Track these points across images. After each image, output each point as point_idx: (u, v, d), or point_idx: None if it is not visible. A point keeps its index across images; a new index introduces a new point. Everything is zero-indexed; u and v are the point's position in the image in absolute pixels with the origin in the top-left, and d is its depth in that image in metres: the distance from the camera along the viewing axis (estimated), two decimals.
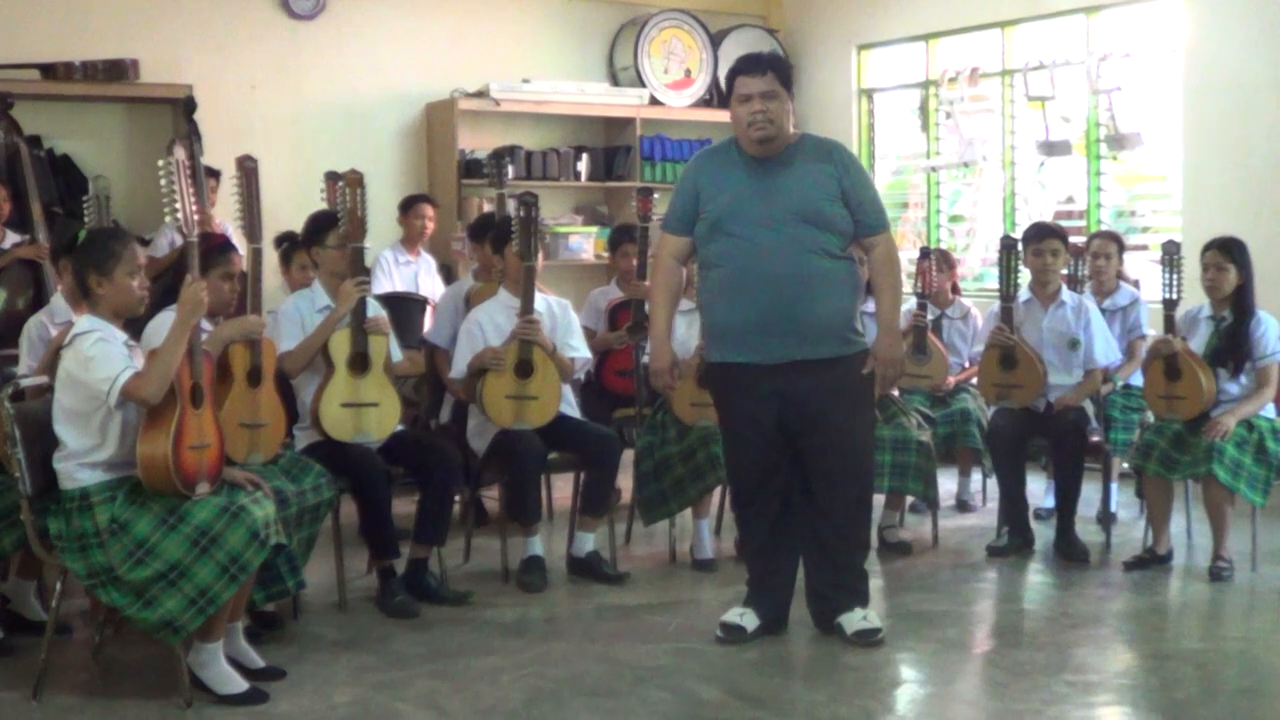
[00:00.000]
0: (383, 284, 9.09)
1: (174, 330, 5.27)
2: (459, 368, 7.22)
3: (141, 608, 5.20)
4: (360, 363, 6.59)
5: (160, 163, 5.42)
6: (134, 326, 5.64)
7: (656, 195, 8.74)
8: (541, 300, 7.21)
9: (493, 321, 7.21)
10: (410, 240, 9.75)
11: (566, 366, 7.21)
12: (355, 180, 6.57)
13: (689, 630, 6.29)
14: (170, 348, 5.22)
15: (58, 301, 6.64)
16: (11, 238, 8.46)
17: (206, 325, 6.23)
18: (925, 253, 8.55)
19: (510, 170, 9.13)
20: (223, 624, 5.38)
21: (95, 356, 5.15)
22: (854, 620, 6.01)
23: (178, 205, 5.38)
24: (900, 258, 6.44)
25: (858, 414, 6.09)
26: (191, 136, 8.96)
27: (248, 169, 6.28)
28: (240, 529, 5.22)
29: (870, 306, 6.62)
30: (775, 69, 5.92)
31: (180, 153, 5.43)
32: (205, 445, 5.33)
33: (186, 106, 9.12)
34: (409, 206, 9.80)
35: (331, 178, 7.06)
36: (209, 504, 5.26)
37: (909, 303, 8.35)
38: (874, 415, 6.46)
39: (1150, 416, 7.55)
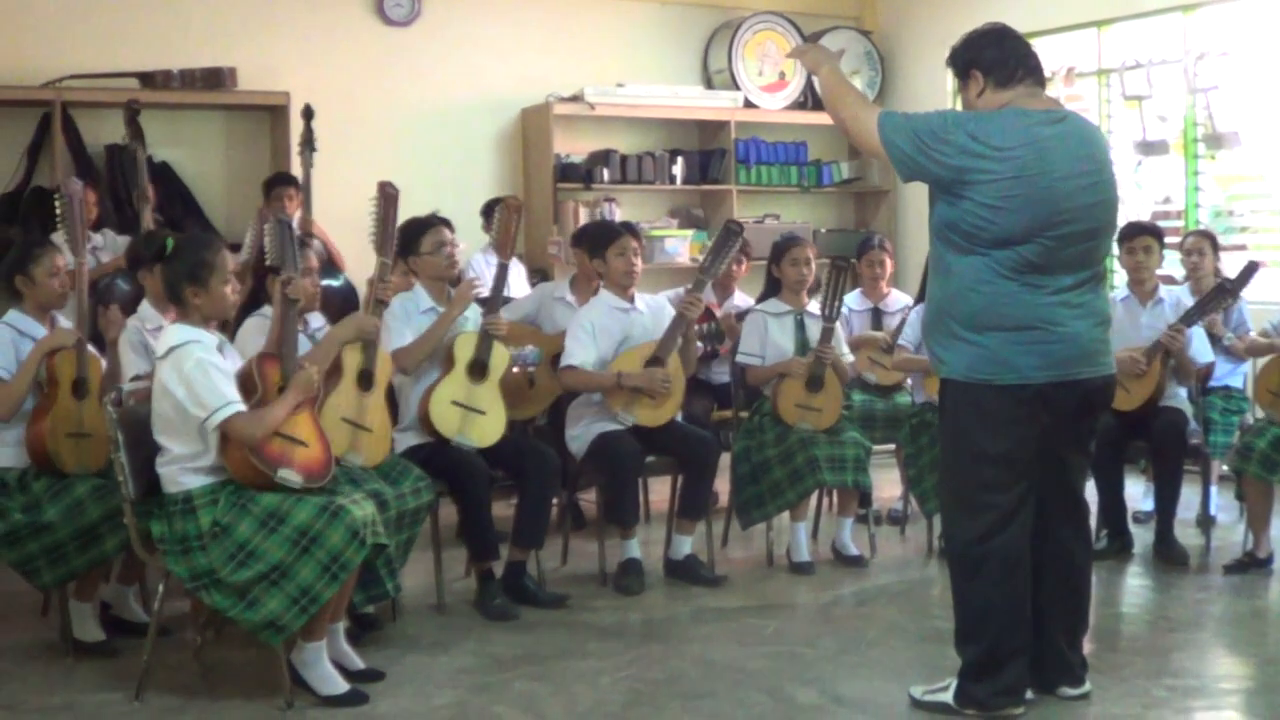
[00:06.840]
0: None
1: (285, 399, 5.42)
2: (579, 357, 7.16)
3: (245, 609, 5.24)
4: (479, 369, 6.70)
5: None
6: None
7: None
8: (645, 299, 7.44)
9: (601, 323, 7.24)
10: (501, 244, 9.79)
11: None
12: (515, 206, 6.97)
13: (786, 633, 6.30)
14: (277, 413, 5.36)
15: (145, 308, 6.62)
16: (117, 240, 8.63)
17: (318, 321, 6.33)
18: None
19: (606, 174, 9.16)
20: (325, 623, 5.43)
21: (196, 380, 5.21)
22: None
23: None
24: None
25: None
26: (306, 145, 9.08)
27: (388, 194, 6.47)
28: (340, 528, 5.24)
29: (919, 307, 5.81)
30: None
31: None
32: (299, 442, 5.41)
33: (305, 113, 9.19)
34: (490, 210, 9.81)
35: (490, 204, 7.12)
36: (308, 504, 5.29)
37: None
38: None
39: (1250, 418, 7.47)
